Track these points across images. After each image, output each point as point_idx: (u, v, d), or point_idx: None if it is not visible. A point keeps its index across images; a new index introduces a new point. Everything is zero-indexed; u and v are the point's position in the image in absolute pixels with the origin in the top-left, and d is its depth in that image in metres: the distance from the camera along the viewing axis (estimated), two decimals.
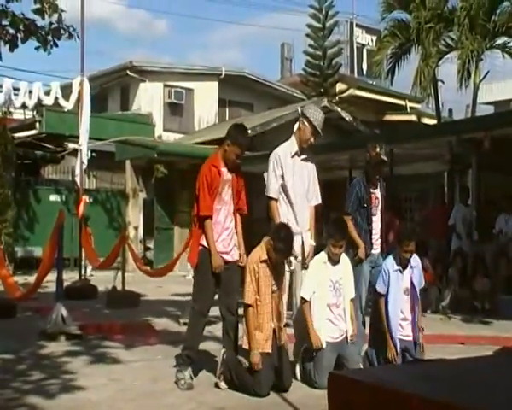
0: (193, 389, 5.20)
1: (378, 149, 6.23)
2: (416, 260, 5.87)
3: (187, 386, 5.20)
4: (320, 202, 5.87)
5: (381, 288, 5.72)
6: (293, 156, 5.73)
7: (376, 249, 6.29)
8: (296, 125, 5.83)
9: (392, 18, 18.76)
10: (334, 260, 5.54)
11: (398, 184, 11.44)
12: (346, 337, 5.52)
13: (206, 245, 5.27)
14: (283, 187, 5.69)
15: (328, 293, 5.48)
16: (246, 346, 5.17)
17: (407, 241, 5.72)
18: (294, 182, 5.69)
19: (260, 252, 5.23)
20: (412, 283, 5.79)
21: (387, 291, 5.69)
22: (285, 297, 5.50)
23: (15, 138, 16.59)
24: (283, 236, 5.14)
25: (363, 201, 6.23)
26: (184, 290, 10.77)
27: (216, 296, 5.48)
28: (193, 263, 5.48)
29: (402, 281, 5.73)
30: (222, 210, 5.34)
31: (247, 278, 5.19)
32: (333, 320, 5.47)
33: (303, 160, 5.78)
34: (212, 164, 5.34)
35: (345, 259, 5.65)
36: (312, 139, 5.71)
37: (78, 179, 12.48)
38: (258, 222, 12.01)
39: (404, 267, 5.78)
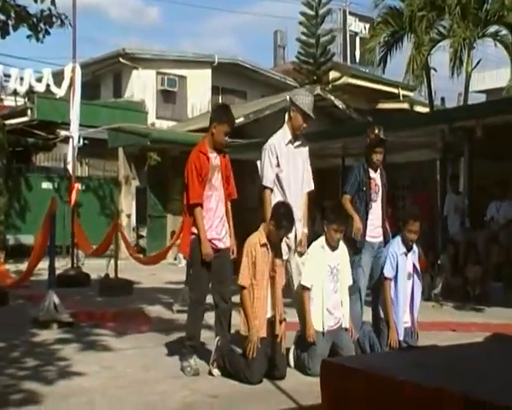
0: (199, 374, 5.20)
1: (377, 131, 6.26)
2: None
3: (193, 372, 5.22)
4: (312, 188, 5.86)
5: (389, 272, 5.69)
6: (287, 144, 5.71)
7: (377, 238, 6.19)
8: (287, 114, 5.82)
9: (385, 5, 18.72)
10: (332, 246, 5.52)
11: (391, 172, 11.42)
12: (341, 325, 5.51)
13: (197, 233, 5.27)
14: (278, 176, 5.66)
15: (326, 278, 5.46)
16: (244, 333, 5.14)
17: (412, 220, 5.72)
18: (289, 169, 5.68)
19: (260, 236, 5.22)
20: (415, 267, 5.79)
21: (395, 276, 5.68)
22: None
23: (6, 125, 16.46)
24: (284, 211, 5.17)
25: (362, 184, 6.22)
26: (177, 278, 10.81)
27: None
28: (185, 253, 5.47)
29: (407, 265, 5.74)
30: (213, 196, 5.33)
31: (243, 261, 5.18)
32: (330, 309, 5.45)
33: (297, 147, 5.76)
34: (200, 151, 5.32)
35: (342, 245, 5.64)
36: (305, 124, 5.69)
37: (70, 167, 12.42)
38: (251, 211, 11.99)
39: (409, 250, 5.78)
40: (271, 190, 5.66)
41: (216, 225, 5.35)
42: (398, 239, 5.83)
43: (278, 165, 5.65)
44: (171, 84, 22.11)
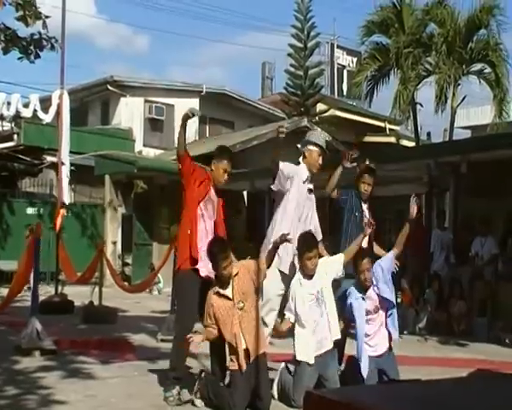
0: (181, 405, 5.20)
1: (367, 162, 6.41)
2: (375, 270, 5.81)
3: (176, 402, 5.22)
4: (320, 238, 5.92)
5: (347, 316, 5.78)
6: (304, 182, 5.87)
7: None
8: (301, 158, 5.96)
9: (372, 41, 19.06)
10: (310, 275, 5.53)
11: (377, 205, 11.54)
12: (329, 349, 5.46)
13: (182, 262, 5.33)
14: (286, 206, 5.77)
15: (312, 307, 5.44)
16: (230, 366, 5.16)
17: (359, 261, 5.75)
18: (299, 204, 5.80)
19: (212, 288, 5.23)
20: (379, 295, 5.79)
21: (353, 319, 5.74)
22: (272, 317, 5.51)
23: None
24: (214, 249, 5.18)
25: (354, 208, 6.34)
26: (162, 307, 10.79)
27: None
28: (182, 265, 5.44)
29: (364, 307, 5.74)
30: (206, 220, 5.40)
31: (204, 318, 5.22)
32: (318, 338, 5.41)
33: (309, 190, 5.89)
34: (204, 169, 5.48)
35: (320, 263, 5.56)
36: (320, 161, 5.84)
37: (61, 193, 12.32)
38: (236, 240, 12.00)
39: (366, 290, 5.81)
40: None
41: (206, 248, 5.39)
42: (352, 286, 5.82)
43: (289, 192, 5.76)
44: (159, 113, 22.24)
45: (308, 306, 5.45)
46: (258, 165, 14.46)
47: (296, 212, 5.79)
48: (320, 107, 24.97)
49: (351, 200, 6.42)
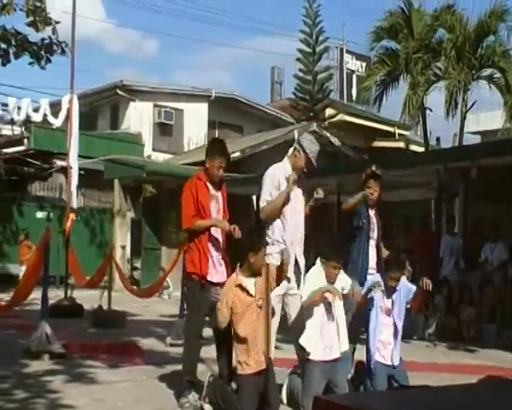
0: None
1: (373, 168, 6.39)
2: (403, 281, 5.89)
3: (192, 408, 5.20)
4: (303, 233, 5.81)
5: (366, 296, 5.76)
6: (286, 178, 5.71)
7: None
8: (290, 150, 5.81)
9: (381, 46, 19.06)
10: (330, 282, 5.47)
11: (385, 210, 11.52)
12: (338, 356, 5.40)
13: (194, 267, 5.29)
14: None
15: (325, 312, 5.39)
16: (239, 371, 5.09)
17: (395, 269, 5.77)
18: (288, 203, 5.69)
19: (235, 277, 5.16)
20: (395, 304, 5.80)
21: (369, 309, 5.73)
22: (275, 322, 5.43)
23: (2, 154, 16.55)
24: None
25: (362, 217, 6.32)
26: (171, 311, 10.80)
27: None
28: (191, 268, 5.39)
29: (381, 302, 5.76)
30: (216, 230, 5.37)
31: (220, 302, 5.10)
32: (325, 338, 5.35)
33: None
34: (198, 177, 5.40)
35: (340, 278, 5.53)
36: (305, 169, 5.72)
37: (70, 197, 12.38)
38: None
39: (390, 293, 5.82)
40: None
41: (216, 256, 5.38)
42: (380, 278, 5.85)
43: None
44: (168, 117, 22.31)
45: (323, 307, 5.35)
46: (267, 169, 14.48)
47: (291, 216, 5.69)
48: (329, 111, 24.99)
49: (359, 208, 6.40)
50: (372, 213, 6.47)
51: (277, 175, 5.63)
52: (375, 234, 6.41)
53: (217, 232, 5.39)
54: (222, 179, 5.55)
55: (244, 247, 5.09)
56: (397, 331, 5.80)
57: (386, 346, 5.76)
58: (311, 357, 5.26)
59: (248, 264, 5.07)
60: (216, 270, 5.36)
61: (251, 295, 5.04)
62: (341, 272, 5.47)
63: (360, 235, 6.33)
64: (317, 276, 5.37)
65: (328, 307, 5.37)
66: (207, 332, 5.50)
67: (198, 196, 5.29)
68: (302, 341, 5.27)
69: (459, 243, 11.29)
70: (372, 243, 6.38)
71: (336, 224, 13.25)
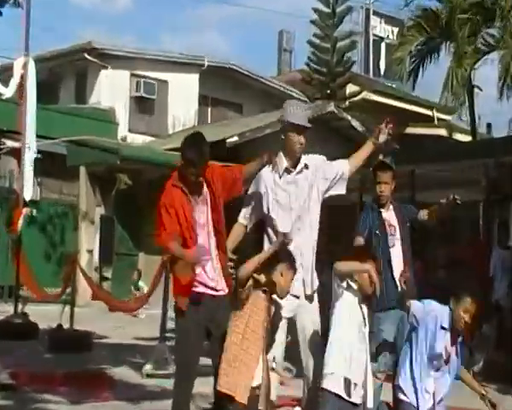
0: None
1: (380, 157, 6.37)
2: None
3: None
4: (315, 238, 5.74)
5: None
6: (282, 175, 5.62)
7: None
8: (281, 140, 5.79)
9: (417, 6, 19.03)
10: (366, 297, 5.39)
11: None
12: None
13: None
14: (271, 220, 5.62)
15: (356, 337, 5.32)
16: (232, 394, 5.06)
17: (470, 300, 5.64)
18: (287, 207, 5.60)
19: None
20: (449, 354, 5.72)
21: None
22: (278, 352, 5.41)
23: None
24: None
25: (373, 227, 6.28)
26: (150, 333, 10.78)
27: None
28: (181, 293, 5.39)
29: (445, 343, 5.66)
30: (200, 236, 5.35)
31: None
32: (354, 379, 5.29)
33: (299, 173, 5.63)
34: (173, 184, 5.35)
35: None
36: (302, 139, 5.58)
37: (23, 187, 12.34)
38: (241, 253, 11.88)
39: (458, 335, 5.68)
40: (244, 227, 5.69)
41: (207, 269, 5.35)
42: (448, 312, 5.71)
43: (268, 211, 5.57)
44: (149, 91, 22.29)
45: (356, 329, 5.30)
46: None
47: (285, 218, 5.65)
48: (350, 88, 25.03)
49: (367, 217, 6.35)
50: (388, 212, 6.42)
51: (263, 183, 5.62)
52: (396, 238, 6.34)
53: (204, 239, 5.37)
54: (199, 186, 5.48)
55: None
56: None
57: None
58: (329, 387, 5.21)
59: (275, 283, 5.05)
60: (210, 281, 5.34)
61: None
62: None
63: (376, 249, 6.22)
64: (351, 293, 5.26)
65: (362, 339, 5.27)
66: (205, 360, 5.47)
67: (176, 209, 5.28)
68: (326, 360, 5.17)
69: None
70: (394, 251, 6.31)
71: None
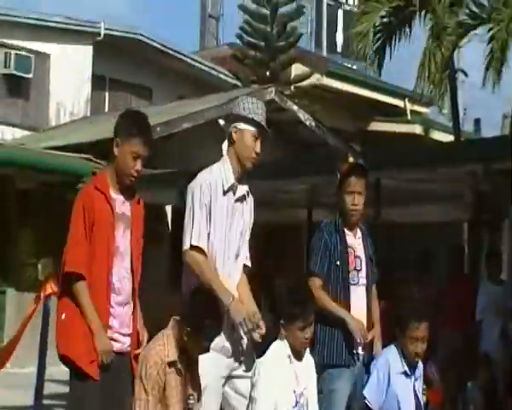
0: None
1: (351, 159, 6.44)
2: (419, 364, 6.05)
3: None
4: (249, 264, 5.94)
5: (372, 401, 5.84)
6: (226, 192, 5.74)
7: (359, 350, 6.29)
8: (225, 144, 5.91)
9: None
10: (299, 355, 5.55)
11: (389, 236, 11.56)
12: None
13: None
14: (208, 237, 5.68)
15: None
16: None
17: (415, 323, 5.84)
18: (226, 230, 5.70)
19: (164, 349, 5.25)
20: (418, 399, 5.93)
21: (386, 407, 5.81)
22: None
23: None
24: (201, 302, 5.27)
25: (334, 255, 6.32)
26: (20, 399, 10.66)
27: None
28: (67, 353, 5.39)
29: (409, 391, 5.86)
30: (117, 266, 5.36)
31: (138, 392, 5.18)
32: None
33: (239, 198, 5.80)
34: (96, 187, 5.37)
35: (308, 358, 5.70)
36: (258, 147, 5.75)
37: None
38: (155, 288, 11.99)
39: (413, 370, 5.92)
40: (202, 251, 5.67)
41: (119, 313, 5.35)
42: (395, 351, 5.96)
43: (210, 220, 5.69)
44: (24, 67, 22.00)
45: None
46: (191, 162, 14.45)
47: (222, 242, 5.75)
48: (297, 70, 25.15)
49: (328, 240, 6.40)
50: (356, 238, 6.51)
51: (211, 186, 5.70)
52: (361, 276, 6.46)
53: (123, 285, 5.40)
54: (138, 179, 5.53)
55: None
56: None
57: None
58: None
59: (188, 344, 5.27)
60: (121, 333, 5.37)
61: None
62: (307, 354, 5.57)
63: (335, 286, 6.35)
64: (281, 365, 5.42)
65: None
66: None
67: (94, 218, 5.28)
68: None
69: (508, 297, 11.45)
70: (356, 292, 6.42)
71: (305, 256, 13.34)
